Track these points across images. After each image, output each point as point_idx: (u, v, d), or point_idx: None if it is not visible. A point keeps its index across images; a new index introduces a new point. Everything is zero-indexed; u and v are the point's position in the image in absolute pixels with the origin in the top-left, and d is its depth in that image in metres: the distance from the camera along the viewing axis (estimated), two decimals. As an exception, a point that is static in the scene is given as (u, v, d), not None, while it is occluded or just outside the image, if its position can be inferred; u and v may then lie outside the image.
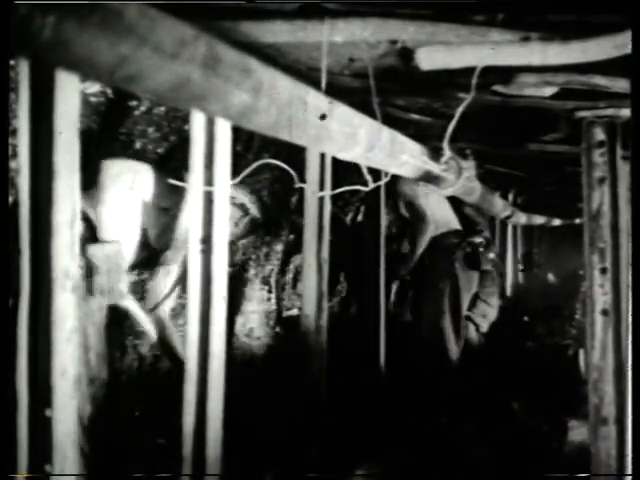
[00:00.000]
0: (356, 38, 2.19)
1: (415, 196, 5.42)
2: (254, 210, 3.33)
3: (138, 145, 3.26)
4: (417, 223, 5.49)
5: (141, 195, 3.04)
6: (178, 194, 2.98)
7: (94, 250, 2.90)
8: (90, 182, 2.90)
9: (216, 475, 2.34)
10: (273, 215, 3.77)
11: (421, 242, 5.51)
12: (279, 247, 4.69)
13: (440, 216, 5.54)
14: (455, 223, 5.65)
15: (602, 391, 2.81)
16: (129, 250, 3.04)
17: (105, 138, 3.13)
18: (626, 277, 2.78)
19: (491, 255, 5.74)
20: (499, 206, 6.11)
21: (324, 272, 3.46)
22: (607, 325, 2.81)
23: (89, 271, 2.89)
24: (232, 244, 3.87)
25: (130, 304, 3.07)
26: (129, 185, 3.00)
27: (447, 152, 2.83)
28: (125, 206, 3.02)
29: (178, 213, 3.08)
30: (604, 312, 2.82)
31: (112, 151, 3.21)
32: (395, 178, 4.92)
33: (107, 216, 2.99)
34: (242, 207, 3.28)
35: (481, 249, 5.57)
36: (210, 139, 2.33)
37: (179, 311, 3.34)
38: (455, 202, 5.48)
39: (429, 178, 3.03)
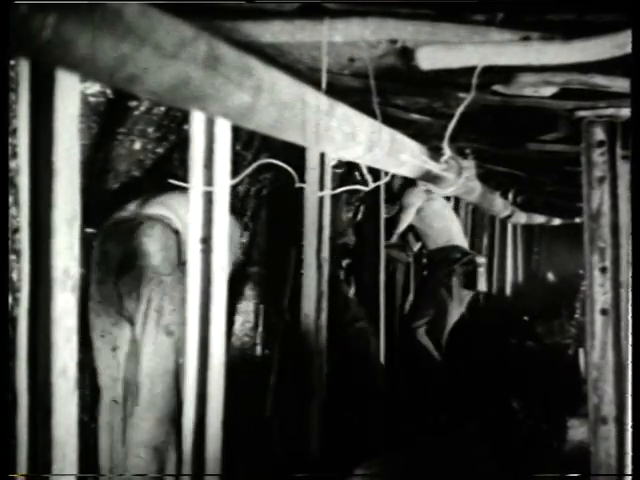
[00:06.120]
0: (356, 38, 2.19)
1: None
2: None
3: (138, 145, 3.26)
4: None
5: None
6: None
7: None
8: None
9: (216, 475, 2.34)
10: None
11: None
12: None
13: (442, 227, 5.49)
14: (459, 239, 5.59)
15: (602, 390, 2.81)
16: None
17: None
18: (626, 277, 2.78)
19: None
20: (499, 206, 6.11)
21: (324, 272, 3.46)
22: (607, 324, 2.81)
23: None
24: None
25: None
26: None
27: (447, 151, 2.84)
28: None
29: None
30: (604, 311, 2.82)
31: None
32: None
33: None
34: None
35: (480, 269, 5.49)
36: (210, 139, 2.33)
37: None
38: None
39: (429, 178, 3.03)
